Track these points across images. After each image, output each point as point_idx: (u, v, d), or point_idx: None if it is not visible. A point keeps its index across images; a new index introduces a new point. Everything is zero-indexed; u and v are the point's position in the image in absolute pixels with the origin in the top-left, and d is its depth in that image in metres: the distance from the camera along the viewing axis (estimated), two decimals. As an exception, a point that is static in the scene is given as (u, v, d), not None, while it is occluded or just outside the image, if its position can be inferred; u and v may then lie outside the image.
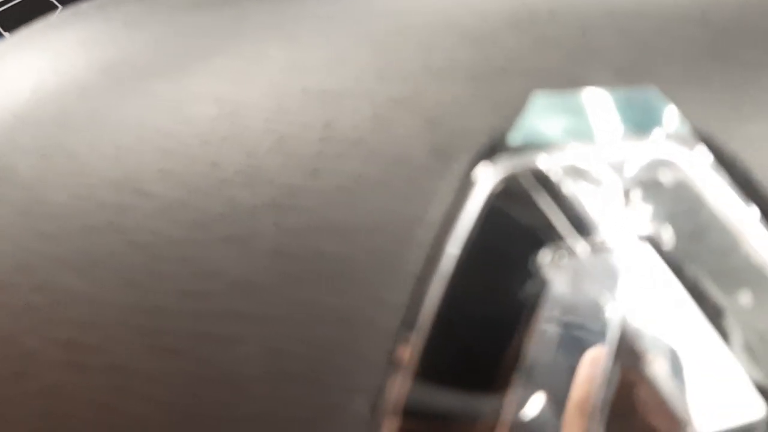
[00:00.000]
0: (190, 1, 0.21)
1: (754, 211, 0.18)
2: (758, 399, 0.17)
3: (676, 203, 0.18)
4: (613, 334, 0.16)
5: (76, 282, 0.15)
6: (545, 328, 0.17)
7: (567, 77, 0.18)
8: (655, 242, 0.17)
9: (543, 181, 0.17)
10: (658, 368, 0.17)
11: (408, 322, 0.16)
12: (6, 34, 0.65)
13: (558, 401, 0.16)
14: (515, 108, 0.17)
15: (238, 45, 0.18)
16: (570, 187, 0.17)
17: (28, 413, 0.15)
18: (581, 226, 0.17)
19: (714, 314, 0.17)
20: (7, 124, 0.17)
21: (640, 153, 0.18)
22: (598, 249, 0.17)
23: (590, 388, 0.16)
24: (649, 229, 0.17)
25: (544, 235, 0.17)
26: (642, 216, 0.17)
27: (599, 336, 0.16)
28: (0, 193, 0.16)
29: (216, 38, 0.18)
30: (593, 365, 0.16)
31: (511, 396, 0.16)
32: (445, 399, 0.16)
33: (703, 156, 0.18)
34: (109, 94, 0.17)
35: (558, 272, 0.17)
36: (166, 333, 0.15)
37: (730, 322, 0.17)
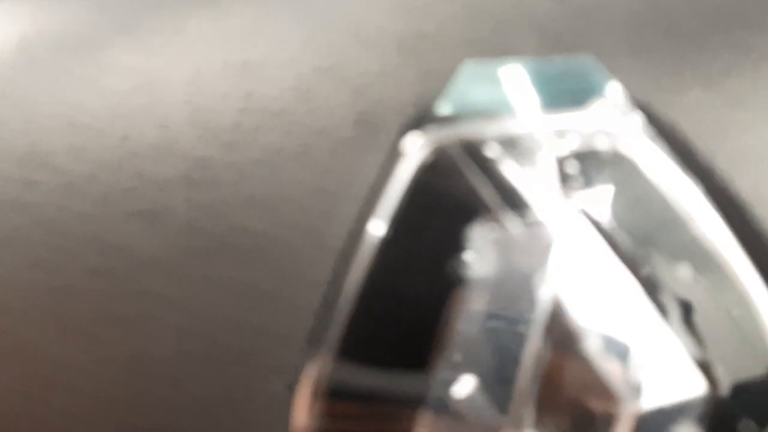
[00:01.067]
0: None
1: (694, 180, 0.17)
2: (698, 376, 0.17)
3: (613, 174, 0.17)
4: (543, 310, 0.16)
5: None
6: (473, 304, 0.16)
7: (500, 46, 0.17)
8: (590, 214, 0.17)
9: (473, 152, 0.16)
10: (591, 344, 0.16)
11: (330, 299, 0.15)
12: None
13: (485, 378, 0.16)
14: (445, 78, 0.17)
15: (158, 17, 0.17)
16: (501, 159, 0.17)
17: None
18: (512, 199, 0.16)
19: (651, 288, 0.17)
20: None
21: (575, 123, 0.17)
22: (529, 222, 0.16)
23: None
24: (583, 200, 0.17)
25: (473, 209, 0.16)
26: (577, 187, 0.17)
27: (530, 312, 0.16)
28: None
29: (136, 11, 0.18)
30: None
31: (437, 374, 0.16)
32: (369, 378, 0.16)
33: (641, 125, 0.17)
34: (23, 69, 0.17)
35: (488, 246, 0.16)
36: (74, 313, 0.15)
37: (669, 297, 0.17)
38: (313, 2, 0.18)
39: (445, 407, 0.16)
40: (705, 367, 0.17)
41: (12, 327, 0.15)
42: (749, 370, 0.17)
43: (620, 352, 0.16)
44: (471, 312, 0.16)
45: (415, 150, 0.16)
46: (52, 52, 0.17)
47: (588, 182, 0.17)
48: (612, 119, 0.17)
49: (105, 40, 0.17)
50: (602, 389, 0.16)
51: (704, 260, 0.17)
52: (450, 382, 0.16)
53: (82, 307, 0.15)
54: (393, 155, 0.16)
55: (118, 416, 0.15)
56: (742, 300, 0.17)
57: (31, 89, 0.16)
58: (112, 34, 0.17)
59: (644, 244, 0.17)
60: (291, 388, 0.15)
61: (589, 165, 0.17)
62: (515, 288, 0.16)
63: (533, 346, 0.16)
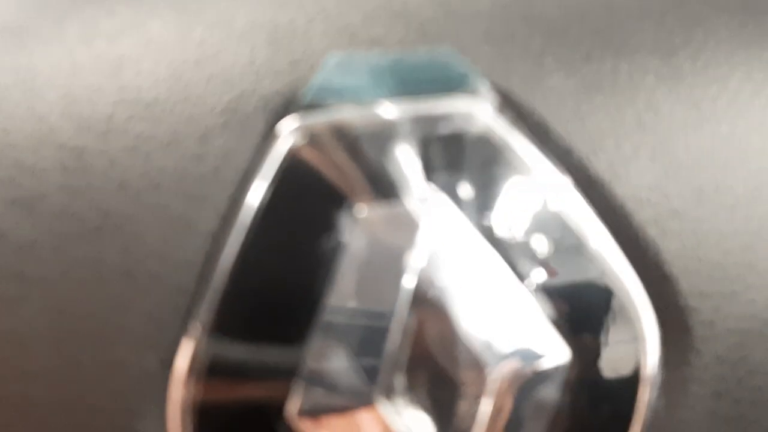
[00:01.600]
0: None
1: (554, 162, 0.18)
2: (562, 344, 0.18)
3: (474, 154, 0.18)
4: (410, 284, 0.17)
5: None
6: (343, 281, 0.17)
7: (368, 37, 0.18)
8: (452, 192, 0.18)
9: (341, 138, 0.17)
10: (457, 315, 0.17)
11: (202, 279, 0.16)
12: None
13: (356, 350, 0.17)
14: (313, 66, 0.18)
15: (39, 15, 0.18)
16: (370, 144, 0.17)
17: None
18: (381, 182, 0.17)
19: (513, 261, 0.18)
20: None
21: (437, 109, 0.18)
22: (397, 204, 0.17)
23: None
24: (446, 179, 0.18)
25: (344, 192, 0.17)
26: (439, 168, 0.18)
27: (396, 285, 0.17)
28: None
29: (15, 10, 0.18)
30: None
31: (310, 347, 0.17)
32: (243, 353, 0.16)
33: (500, 109, 0.18)
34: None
35: (356, 226, 0.17)
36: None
37: (532, 271, 0.18)
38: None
39: (318, 379, 0.17)
40: (569, 336, 0.18)
41: None
42: (616, 338, 0.18)
43: (486, 323, 0.17)
44: (341, 289, 0.17)
45: (286, 135, 0.17)
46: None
47: (451, 166, 0.18)
48: (472, 105, 0.18)
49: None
50: (469, 357, 0.17)
51: (565, 235, 0.18)
52: (322, 354, 0.17)
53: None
54: (263, 142, 0.17)
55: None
56: (603, 272, 0.18)
57: None
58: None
59: (507, 222, 0.18)
60: (166, 364, 0.16)
61: (452, 149, 0.18)
62: (383, 266, 0.17)
63: (400, 319, 0.17)
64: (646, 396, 0.19)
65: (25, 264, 0.16)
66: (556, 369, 0.18)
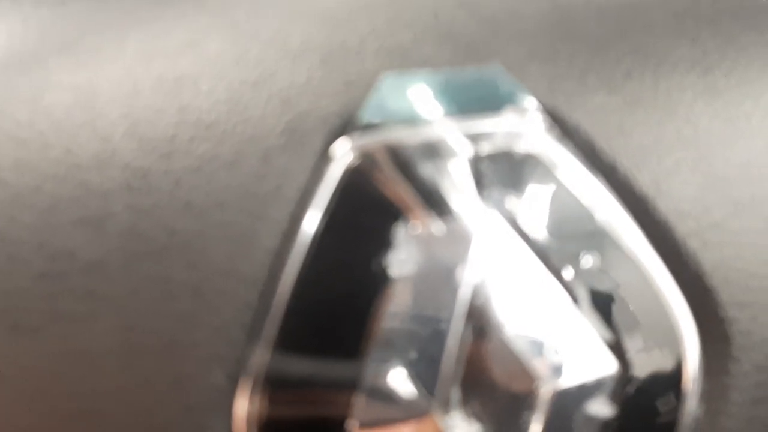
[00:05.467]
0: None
1: (599, 177, 0.19)
2: (609, 356, 0.18)
3: (524, 173, 0.18)
4: (465, 299, 0.17)
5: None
6: (400, 297, 0.17)
7: (418, 57, 0.19)
8: (503, 210, 0.18)
9: (395, 157, 0.18)
10: (511, 330, 0.17)
11: (267, 295, 0.17)
12: None
13: (413, 364, 0.17)
14: (368, 87, 0.18)
15: (98, 34, 0.18)
16: (422, 162, 0.18)
17: None
18: (434, 199, 0.18)
19: (563, 277, 0.18)
20: None
21: (488, 127, 0.18)
22: (449, 219, 0.18)
23: None
24: (497, 198, 0.18)
25: (398, 208, 0.18)
26: (491, 186, 0.18)
27: (453, 301, 0.17)
28: None
29: (76, 29, 0.19)
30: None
31: (369, 362, 0.17)
32: (305, 367, 0.17)
33: (548, 127, 0.19)
34: None
35: (412, 242, 0.17)
36: (25, 313, 0.16)
37: (579, 285, 0.18)
38: (241, 18, 0.19)
39: (377, 392, 0.17)
40: (615, 348, 0.18)
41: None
42: (658, 349, 0.19)
43: (537, 336, 0.18)
44: (398, 304, 0.17)
45: (342, 155, 0.18)
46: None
47: (501, 182, 0.18)
48: (521, 123, 0.19)
49: (46, 58, 0.18)
50: (522, 370, 0.17)
51: (610, 250, 0.19)
52: (381, 368, 0.17)
53: (30, 308, 0.16)
54: (321, 161, 0.17)
55: (65, 409, 0.16)
56: (646, 284, 0.19)
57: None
58: (52, 52, 0.18)
59: (555, 237, 0.18)
60: (232, 379, 0.16)
61: (502, 166, 0.18)
62: (438, 281, 0.18)
63: (456, 333, 0.17)
64: (687, 405, 0.19)
65: (94, 283, 0.16)
66: (604, 380, 0.18)
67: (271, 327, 0.16)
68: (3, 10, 0.20)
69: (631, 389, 0.19)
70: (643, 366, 0.19)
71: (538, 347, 0.18)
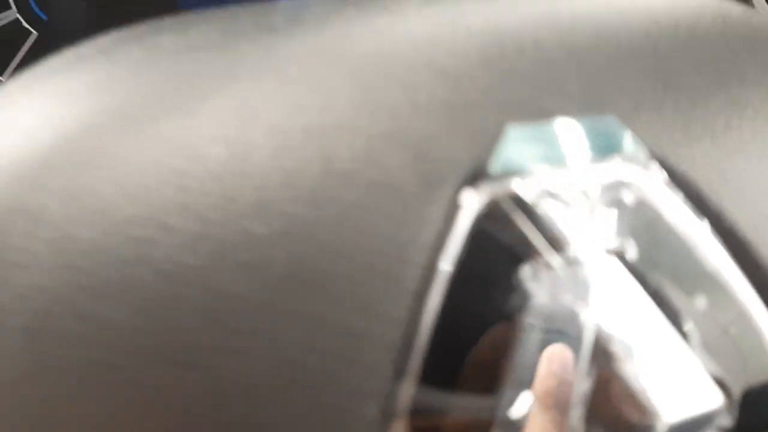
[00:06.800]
0: (186, 43, 0.23)
1: (705, 223, 0.20)
2: (716, 390, 0.19)
3: (637, 219, 0.20)
4: (588, 337, 0.19)
5: (110, 310, 0.17)
6: (529, 334, 0.19)
7: (535, 109, 0.20)
8: (620, 254, 0.19)
9: (521, 203, 0.19)
10: (627, 366, 0.19)
11: (409, 333, 0.18)
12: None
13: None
14: (492, 138, 0.19)
15: (237, 86, 0.20)
16: (545, 208, 0.19)
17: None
18: (556, 243, 0.19)
19: (674, 316, 0.19)
20: (34, 167, 0.19)
21: (603, 175, 0.20)
22: (571, 262, 0.19)
23: (551, 383, 0.18)
24: (614, 243, 0.19)
25: (524, 252, 0.19)
26: (608, 231, 0.20)
27: (576, 339, 0.19)
28: (34, 232, 0.18)
29: (215, 80, 0.20)
30: (551, 361, 0.18)
31: (501, 395, 0.18)
32: (445, 400, 0.18)
33: (658, 176, 0.20)
34: (125, 137, 0.19)
35: (537, 284, 0.19)
36: (191, 350, 0.17)
37: (689, 323, 0.20)
38: (372, 74, 0.20)
39: (510, 424, 0.18)
40: (721, 383, 0.20)
41: (130, 364, 0.17)
42: (757, 382, 0.20)
43: (652, 372, 0.19)
44: (527, 342, 0.19)
45: (472, 203, 0.19)
46: (148, 120, 0.19)
47: (617, 227, 0.20)
48: (634, 171, 0.20)
49: (192, 108, 0.20)
50: (640, 404, 0.19)
51: (717, 291, 0.20)
52: (512, 401, 0.19)
53: (195, 344, 0.17)
54: (453, 208, 0.19)
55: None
56: (747, 323, 0.20)
57: (136, 156, 0.19)
58: (196, 102, 0.20)
59: (667, 279, 0.20)
60: (385, 413, 0.17)
61: (617, 212, 0.20)
62: (563, 318, 0.19)
63: (581, 367, 0.19)
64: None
65: (255, 322, 0.17)
66: (713, 413, 0.19)
67: (415, 363, 0.18)
68: (141, 61, 0.22)
69: (736, 420, 0.20)
70: (746, 399, 0.20)
71: (654, 384, 0.19)
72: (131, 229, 0.17)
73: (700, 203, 0.20)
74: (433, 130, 0.19)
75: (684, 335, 0.19)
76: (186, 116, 0.19)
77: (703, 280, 0.20)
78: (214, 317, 0.17)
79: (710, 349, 0.20)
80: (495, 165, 0.19)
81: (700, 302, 0.20)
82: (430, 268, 0.18)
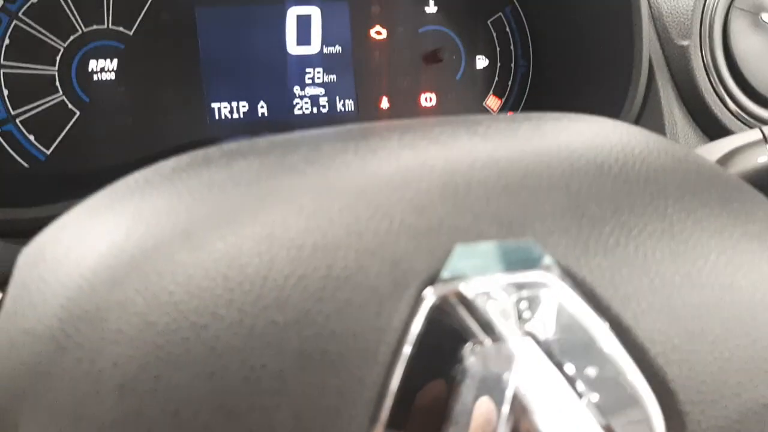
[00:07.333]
0: (229, 175, 0.31)
1: (598, 314, 0.28)
2: (605, 436, 0.28)
3: (548, 311, 0.28)
4: (509, 395, 0.27)
5: (177, 373, 0.25)
6: (466, 394, 0.27)
7: (476, 232, 0.29)
8: (534, 336, 0.28)
9: (463, 299, 0.28)
10: (538, 417, 0.27)
11: (381, 392, 0.26)
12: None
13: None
14: (444, 253, 0.28)
15: (266, 213, 0.28)
16: (481, 303, 0.28)
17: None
18: (488, 327, 0.27)
19: (572, 381, 0.28)
20: (123, 271, 0.27)
21: (524, 280, 0.28)
22: (499, 343, 0.27)
23: (481, 426, 0.26)
24: (533, 329, 0.28)
25: (465, 333, 0.27)
26: (528, 321, 0.28)
27: (500, 396, 0.27)
28: (124, 318, 0.26)
29: (251, 208, 0.29)
30: (481, 409, 0.26)
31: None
32: None
33: (564, 280, 0.28)
34: (188, 249, 0.27)
35: (474, 356, 0.27)
36: (235, 404, 0.25)
37: (584, 386, 0.28)
38: (363, 206, 0.29)
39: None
40: (608, 429, 0.28)
41: (192, 414, 0.25)
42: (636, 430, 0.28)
43: (558, 422, 0.27)
44: (464, 398, 0.27)
45: (429, 298, 0.27)
46: (204, 237, 0.28)
47: (535, 318, 0.28)
48: (547, 276, 0.29)
49: (238, 229, 0.28)
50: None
51: (606, 363, 0.28)
52: (453, 441, 0.27)
53: (236, 401, 0.25)
54: (416, 302, 0.27)
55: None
56: (629, 387, 0.28)
57: (194, 263, 0.27)
58: (241, 225, 0.28)
59: (567, 354, 0.28)
60: None
61: (533, 306, 0.28)
62: (492, 380, 0.27)
63: (503, 416, 0.27)
64: None
65: (280, 384, 0.25)
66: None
67: (384, 413, 0.26)
68: (207, 184, 0.30)
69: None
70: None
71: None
72: (192, 317, 0.26)
73: (594, 300, 0.28)
74: (402, 247, 0.28)
75: (579, 395, 0.28)
76: (230, 235, 0.28)
77: (596, 355, 0.28)
78: (250, 381, 0.25)
79: (599, 405, 0.28)
80: (446, 272, 0.28)
81: (591, 371, 0.28)
82: (399, 345, 0.27)
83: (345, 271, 0.27)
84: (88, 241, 0.29)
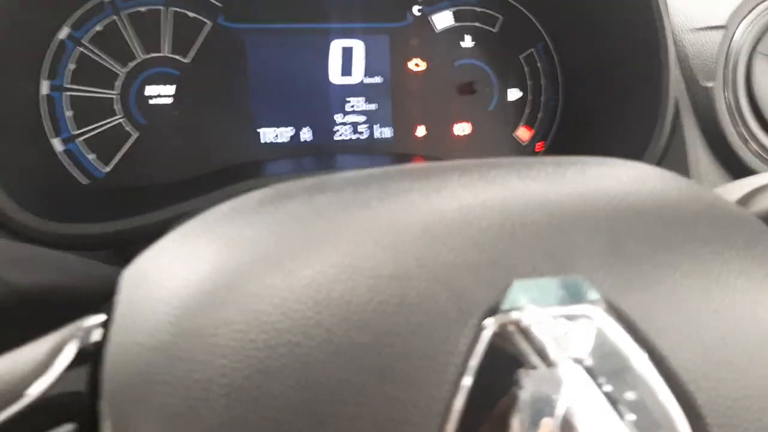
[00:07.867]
0: (307, 208, 0.35)
1: (642, 348, 0.32)
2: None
3: (594, 340, 0.32)
4: (559, 415, 0.31)
5: (273, 383, 0.29)
6: (522, 413, 0.31)
7: (530, 268, 0.33)
8: (581, 362, 0.32)
9: (521, 329, 0.31)
10: (584, 434, 0.31)
11: (449, 406, 0.30)
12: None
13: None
14: (504, 286, 0.32)
15: (340, 244, 0.32)
16: (535, 332, 0.32)
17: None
18: (543, 355, 0.31)
19: (614, 403, 0.31)
20: (221, 291, 0.31)
21: (572, 311, 0.32)
22: (551, 368, 0.31)
23: None
24: (580, 356, 0.32)
25: (521, 360, 0.31)
26: (576, 349, 0.32)
27: (554, 416, 0.31)
28: (227, 334, 0.30)
29: (324, 239, 0.33)
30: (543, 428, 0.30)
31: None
32: None
33: (609, 314, 0.32)
34: (274, 274, 0.31)
35: (530, 381, 0.31)
36: (322, 411, 0.29)
37: (624, 408, 0.31)
38: (428, 239, 0.33)
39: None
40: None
41: (286, 418, 0.29)
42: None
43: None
44: (522, 419, 0.31)
45: (490, 327, 0.31)
46: (288, 263, 0.32)
47: (582, 346, 0.32)
48: (592, 309, 0.32)
49: (315, 258, 0.32)
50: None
51: (644, 388, 0.32)
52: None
53: (321, 406, 0.29)
54: (478, 330, 0.31)
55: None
56: (664, 410, 0.32)
57: (282, 286, 0.31)
58: (317, 254, 0.32)
59: (610, 378, 0.32)
60: None
61: (580, 335, 0.32)
62: (545, 401, 0.31)
63: (554, 433, 0.30)
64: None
65: (352, 393, 0.29)
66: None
67: (451, 426, 0.30)
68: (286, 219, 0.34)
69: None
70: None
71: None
72: (287, 336, 0.30)
73: (633, 331, 0.32)
74: (466, 279, 0.32)
75: (620, 415, 0.31)
76: (316, 264, 0.32)
77: (635, 380, 0.32)
78: (335, 391, 0.29)
79: (637, 424, 0.32)
80: (505, 304, 0.32)
81: (630, 395, 0.32)
82: (463, 366, 0.30)
83: (417, 299, 0.31)
84: (189, 265, 0.33)
